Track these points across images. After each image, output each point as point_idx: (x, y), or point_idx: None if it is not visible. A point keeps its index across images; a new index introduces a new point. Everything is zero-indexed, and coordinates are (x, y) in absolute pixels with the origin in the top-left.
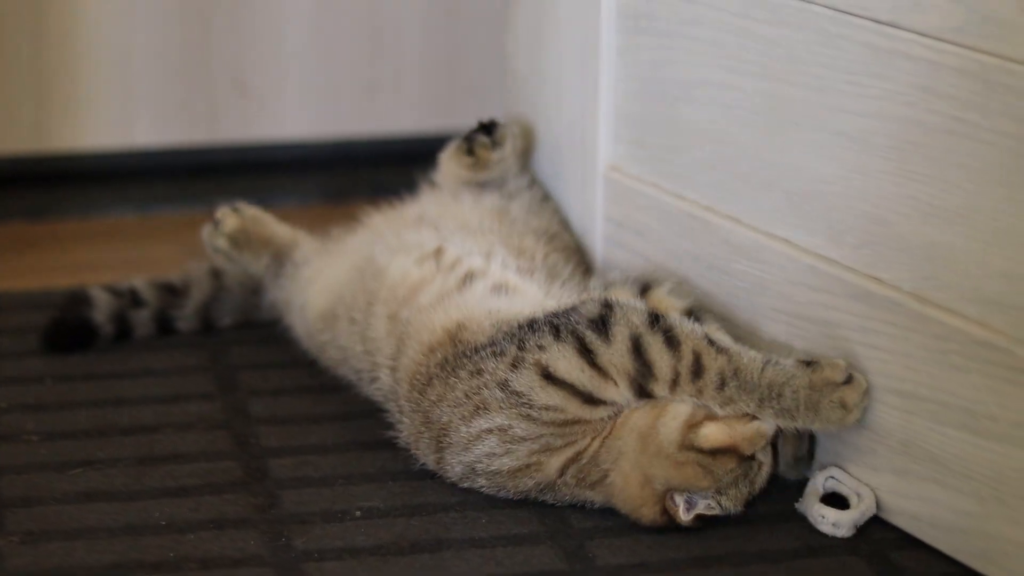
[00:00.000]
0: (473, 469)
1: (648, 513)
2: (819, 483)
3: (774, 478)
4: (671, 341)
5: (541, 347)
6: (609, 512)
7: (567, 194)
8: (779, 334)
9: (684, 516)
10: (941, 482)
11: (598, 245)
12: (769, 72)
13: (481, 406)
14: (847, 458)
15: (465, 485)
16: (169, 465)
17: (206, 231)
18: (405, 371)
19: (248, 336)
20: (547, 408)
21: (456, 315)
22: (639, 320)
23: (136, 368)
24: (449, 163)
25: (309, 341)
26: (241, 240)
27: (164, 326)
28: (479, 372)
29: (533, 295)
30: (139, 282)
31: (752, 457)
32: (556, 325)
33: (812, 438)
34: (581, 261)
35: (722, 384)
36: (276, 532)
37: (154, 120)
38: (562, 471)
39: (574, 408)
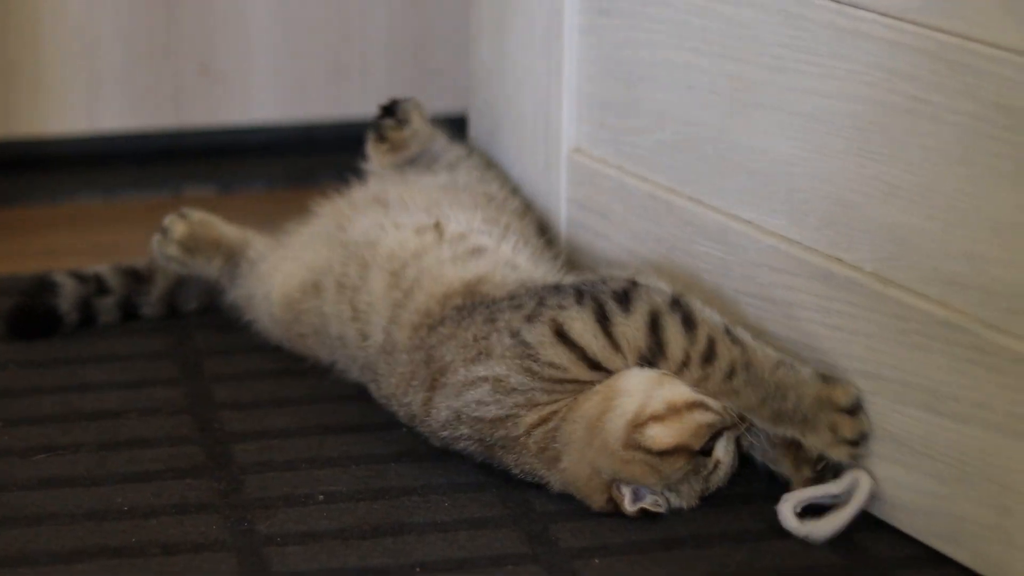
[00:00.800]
0: (459, 416)
1: (598, 500)
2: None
3: (747, 464)
4: (688, 323)
5: (561, 307)
6: (571, 496)
7: (531, 177)
8: (742, 316)
9: (629, 507)
10: (904, 463)
11: (562, 227)
12: (731, 53)
13: (485, 352)
14: None
15: (445, 434)
16: (132, 450)
17: (155, 241)
18: (412, 314)
19: (212, 321)
20: (551, 364)
21: (476, 270)
22: (661, 299)
23: (100, 353)
24: (373, 154)
25: (275, 323)
26: (191, 245)
27: (129, 312)
28: (493, 319)
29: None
30: (104, 268)
31: (708, 454)
32: (581, 291)
33: (823, 458)
34: (548, 239)
35: (731, 374)
36: (239, 517)
37: (119, 105)
38: (530, 430)
39: (577, 370)
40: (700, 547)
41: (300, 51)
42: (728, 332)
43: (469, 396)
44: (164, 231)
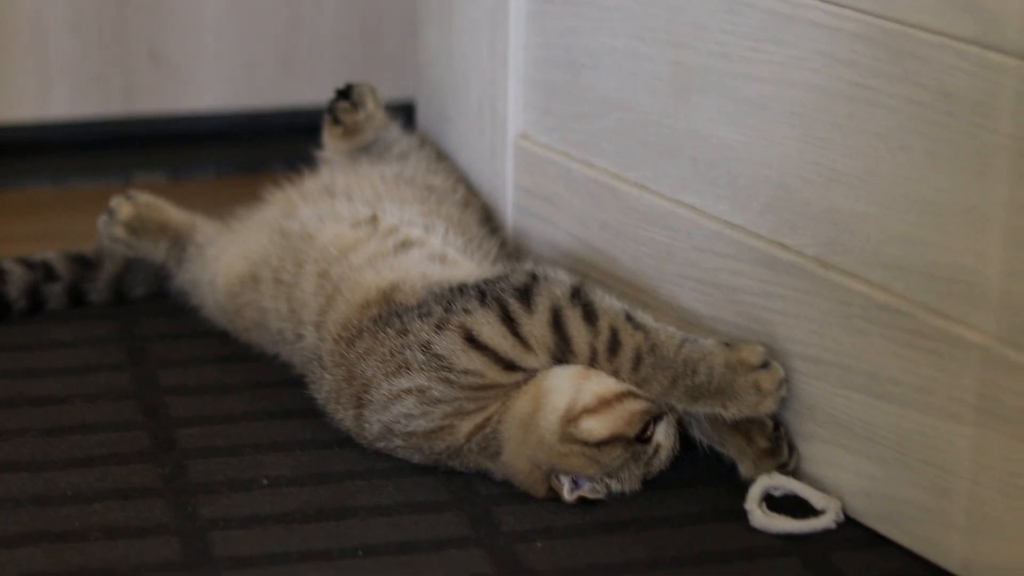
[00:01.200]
0: (391, 429)
1: (540, 490)
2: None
3: (689, 448)
4: (589, 315)
5: (467, 311)
6: None
7: (477, 163)
8: (686, 300)
9: (568, 496)
10: (845, 446)
11: (508, 214)
12: (674, 39)
13: (403, 365)
14: None
15: (381, 446)
16: (77, 436)
17: (102, 221)
18: (333, 324)
19: (159, 307)
20: (466, 372)
21: (390, 276)
22: (561, 292)
23: (46, 339)
24: (328, 139)
25: (220, 311)
26: (138, 227)
27: (76, 298)
28: (405, 332)
29: (469, 270)
30: (52, 255)
31: (647, 441)
32: (483, 291)
33: (779, 428)
34: (493, 227)
35: (638, 362)
36: (182, 501)
37: (69, 92)
38: (469, 437)
39: (493, 374)
40: (642, 530)
41: (250, 38)
42: (629, 318)
43: (396, 410)
44: (110, 212)
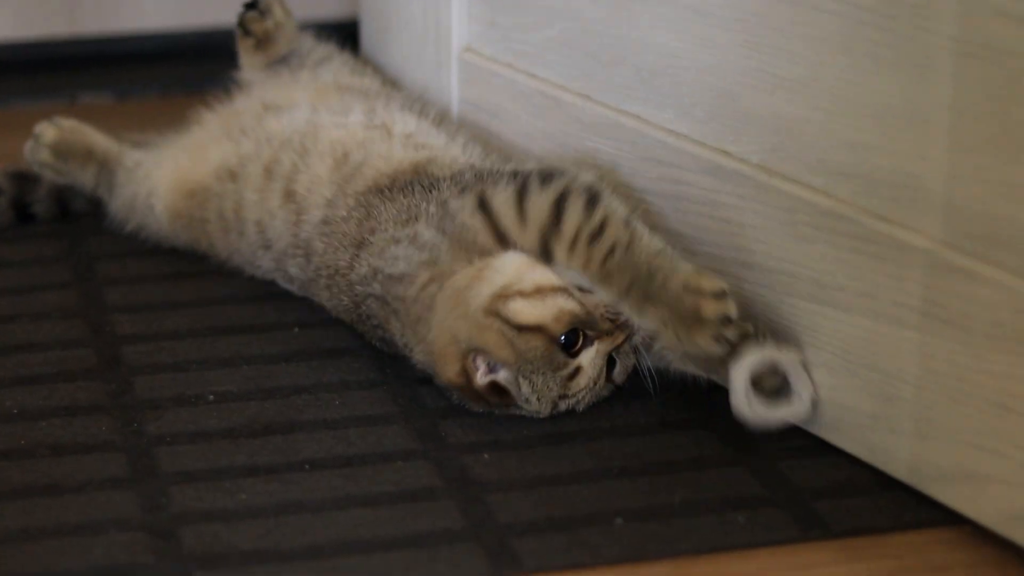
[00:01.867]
0: (376, 272)
1: (451, 370)
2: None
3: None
4: (591, 205)
5: (495, 183)
6: None
7: (422, 79)
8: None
9: (480, 379)
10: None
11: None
12: None
13: (414, 216)
14: None
15: (359, 289)
16: (23, 354)
17: (28, 147)
18: (362, 182)
19: (106, 226)
20: (463, 226)
21: (426, 153)
22: (576, 184)
23: None
24: (243, 54)
25: (168, 216)
26: (63, 151)
27: (21, 212)
28: (432, 188)
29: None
30: None
31: (574, 355)
32: (516, 172)
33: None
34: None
35: (610, 253)
36: (128, 418)
37: (12, 13)
38: (423, 288)
39: (484, 238)
40: (589, 441)
41: None
42: (626, 221)
43: (388, 253)
44: (36, 137)
